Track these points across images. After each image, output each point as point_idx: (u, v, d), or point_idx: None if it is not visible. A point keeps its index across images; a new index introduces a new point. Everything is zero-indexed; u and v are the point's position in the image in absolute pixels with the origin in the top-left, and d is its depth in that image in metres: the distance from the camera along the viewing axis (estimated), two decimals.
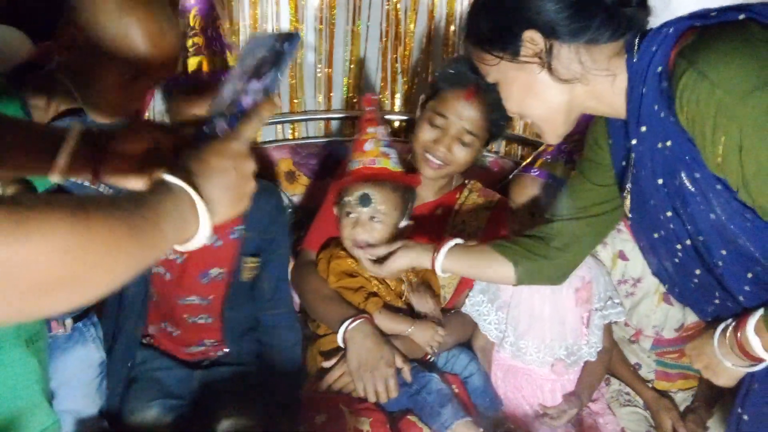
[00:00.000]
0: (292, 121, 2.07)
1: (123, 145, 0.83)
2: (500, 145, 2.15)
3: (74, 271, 0.53)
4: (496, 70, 1.05)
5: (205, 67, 1.49)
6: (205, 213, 0.66)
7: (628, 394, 1.71)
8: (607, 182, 1.18)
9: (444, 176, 1.63)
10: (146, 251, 0.60)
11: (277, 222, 1.64)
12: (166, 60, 1.05)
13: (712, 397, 1.65)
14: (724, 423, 1.64)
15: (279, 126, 2.07)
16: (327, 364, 1.47)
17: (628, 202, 1.11)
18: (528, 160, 1.59)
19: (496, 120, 1.56)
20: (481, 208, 1.68)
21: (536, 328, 1.58)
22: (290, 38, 0.78)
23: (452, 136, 1.55)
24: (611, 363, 1.69)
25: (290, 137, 2.08)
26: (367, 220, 1.49)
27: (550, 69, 0.99)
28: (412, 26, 2.05)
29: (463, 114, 1.53)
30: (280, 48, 0.77)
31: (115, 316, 1.55)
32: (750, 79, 0.83)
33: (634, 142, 1.03)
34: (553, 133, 1.08)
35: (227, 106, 0.77)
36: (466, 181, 1.73)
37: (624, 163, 1.12)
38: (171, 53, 1.06)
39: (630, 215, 1.12)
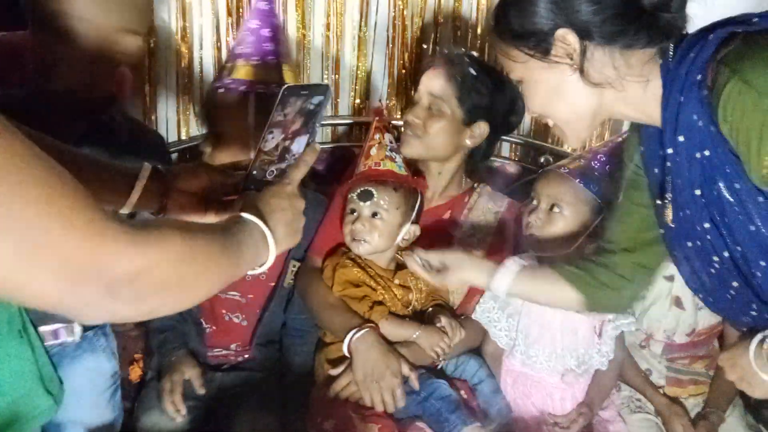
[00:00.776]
0: None
1: (185, 184, 0.97)
2: (508, 150, 2.14)
3: (185, 276, 0.65)
4: (524, 67, 1.00)
5: (251, 76, 1.52)
6: (273, 243, 0.81)
7: (639, 400, 1.69)
8: (650, 203, 1.14)
9: (423, 154, 1.61)
10: (233, 268, 0.73)
11: None
12: (130, 38, 1.16)
13: (724, 403, 1.63)
14: (736, 428, 1.62)
15: None
16: (334, 372, 1.46)
17: (669, 211, 1.06)
18: (564, 161, 1.60)
19: (468, 89, 1.57)
20: (491, 213, 1.68)
21: (547, 337, 1.57)
22: (323, 91, 0.90)
23: (422, 105, 1.59)
24: (622, 369, 1.68)
25: None
26: (368, 217, 1.50)
27: (581, 71, 0.96)
28: (418, 32, 2.05)
29: (428, 84, 1.59)
30: (318, 102, 0.90)
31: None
32: None
33: (670, 151, 0.99)
34: (576, 137, 1.05)
35: (274, 154, 0.90)
36: (475, 185, 1.73)
37: (657, 171, 1.08)
38: (135, 30, 1.17)
39: (673, 225, 1.07)
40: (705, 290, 1.12)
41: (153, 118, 1.92)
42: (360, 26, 2.03)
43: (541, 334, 1.57)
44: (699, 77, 0.90)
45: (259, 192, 0.86)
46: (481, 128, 1.61)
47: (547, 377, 1.59)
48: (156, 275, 0.61)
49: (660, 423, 1.66)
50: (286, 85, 0.88)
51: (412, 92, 2.08)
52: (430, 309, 1.57)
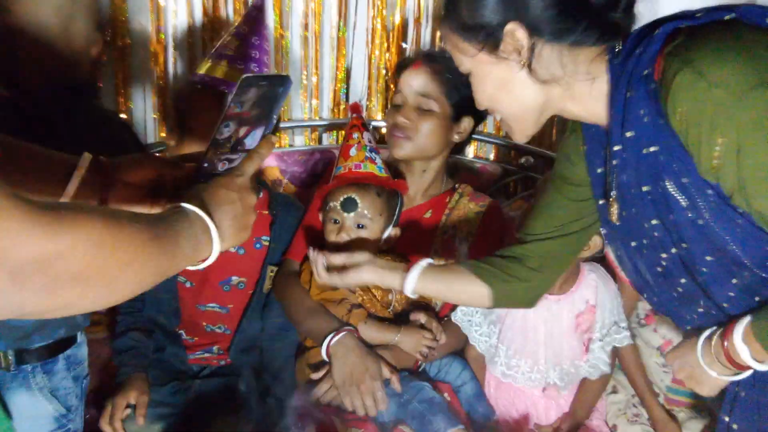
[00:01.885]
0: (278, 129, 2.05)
1: (129, 175, 0.90)
2: (491, 151, 2.14)
3: (107, 266, 0.59)
4: (472, 61, 1.00)
5: (232, 78, 1.50)
6: (216, 237, 0.75)
7: (635, 406, 1.67)
8: (581, 197, 1.14)
9: (414, 154, 1.59)
10: (167, 260, 0.67)
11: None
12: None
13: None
14: None
15: None
16: (315, 376, 1.44)
17: (615, 209, 1.06)
18: None
19: (454, 84, 1.55)
20: (472, 213, 1.66)
21: (530, 348, 1.55)
22: (283, 82, 0.86)
23: (409, 105, 1.57)
24: (628, 365, 1.65)
25: (277, 145, 2.05)
26: (352, 226, 1.47)
27: (529, 67, 0.96)
28: (398, 32, 2.04)
29: (413, 83, 1.56)
30: (275, 92, 0.86)
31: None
32: (747, 77, 0.80)
33: (617, 148, 0.98)
34: (522, 133, 1.05)
35: (227, 145, 0.85)
36: (456, 185, 1.71)
37: (601, 171, 1.07)
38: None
39: (618, 223, 1.07)
40: (650, 289, 1.11)
41: (129, 119, 1.89)
42: (338, 26, 2.01)
43: (524, 345, 1.55)
44: (646, 72, 0.90)
45: (208, 183, 0.80)
46: (467, 123, 1.61)
47: (528, 389, 1.58)
48: (71, 263, 0.55)
49: (645, 427, 1.64)
50: (244, 75, 0.85)
51: (392, 93, 2.08)
52: (412, 310, 1.55)
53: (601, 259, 1.64)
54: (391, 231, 1.52)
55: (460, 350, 1.64)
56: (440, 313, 1.63)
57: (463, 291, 1.23)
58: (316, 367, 1.46)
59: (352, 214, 1.46)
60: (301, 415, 1.41)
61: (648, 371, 1.66)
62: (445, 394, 1.49)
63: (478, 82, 1.02)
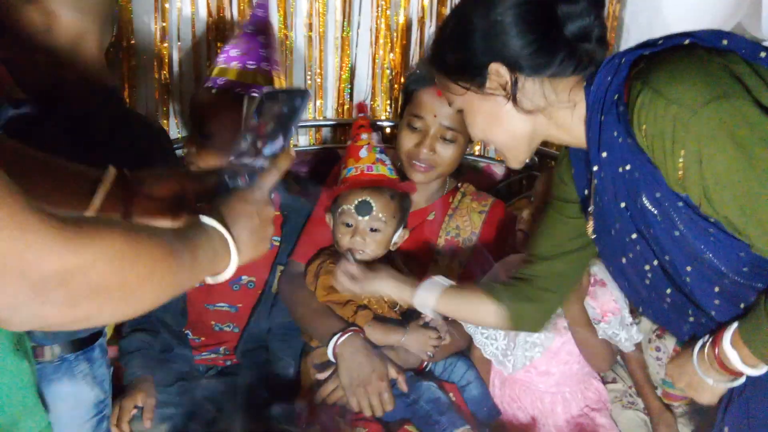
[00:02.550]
0: None
1: (152, 189, 0.92)
2: (494, 150, 2.14)
3: (126, 279, 0.60)
4: (462, 99, 1.08)
5: (245, 79, 1.48)
6: (234, 250, 0.76)
7: (632, 396, 1.68)
8: (579, 215, 1.20)
9: (434, 179, 1.61)
10: (186, 273, 0.68)
11: None
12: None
13: None
14: None
15: None
16: (321, 376, 1.44)
17: (591, 224, 1.14)
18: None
19: None
20: (475, 212, 1.66)
21: (542, 357, 1.56)
22: (302, 95, 0.88)
23: (433, 135, 1.53)
24: (630, 358, 1.66)
25: None
26: (366, 230, 1.47)
27: (514, 100, 1.02)
28: (402, 32, 2.04)
29: (438, 111, 1.51)
30: (293, 106, 0.88)
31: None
32: (702, 93, 0.87)
33: (595, 168, 1.05)
34: (515, 159, 1.12)
35: (247, 160, 0.87)
36: (459, 185, 1.71)
37: (587, 192, 1.14)
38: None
39: (594, 236, 1.15)
40: (642, 301, 1.16)
41: None
42: (342, 27, 2.01)
43: (542, 344, 1.55)
44: (616, 97, 0.98)
45: (227, 198, 0.82)
46: None
47: (538, 383, 1.58)
48: (91, 276, 0.56)
49: (648, 422, 1.65)
50: (264, 90, 0.87)
51: (397, 93, 2.09)
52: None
53: None
54: (401, 233, 1.53)
55: (466, 350, 1.64)
56: None
57: (477, 311, 1.29)
58: (321, 367, 1.47)
59: (366, 218, 1.46)
60: (307, 416, 1.42)
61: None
62: (451, 394, 1.49)
63: (470, 117, 1.10)
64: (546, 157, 2.02)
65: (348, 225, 1.47)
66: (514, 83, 1.01)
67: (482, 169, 2.03)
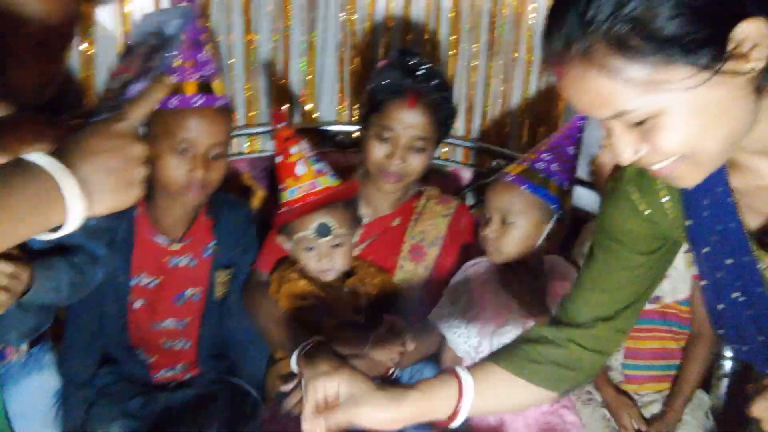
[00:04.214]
0: (248, 135, 2.03)
1: (6, 137, 0.80)
2: (461, 155, 2.14)
3: None
4: (668, 95, 0.67)
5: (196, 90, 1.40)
6: (75, 195, 0.60)
7: (590, 392, 1.69)
8: (639, 261, 0.95)
9: (404, 187, 1.61)
10: None
11: (247, 234, 1.63)
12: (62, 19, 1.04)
13: (681, 404, 1.62)
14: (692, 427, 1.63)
15: (235, 139, 2.02)
16: (285, 388, 1.43)
17: None
18: (509, 167, 1.58)
19: (443, 119, 1.56)
20: (440, 216, 1.67)
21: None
22: (183, 14, 0.74)
23: (404, 146, 1.53)
24: None
25: (247, 151, 2.04)
26: (332, 249, 1.46)
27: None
28: (368, 37, 2.03)
29: (409, 122, 1.51)
30: (175, 28, 0.73)
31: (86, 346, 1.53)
32: None
33: None
34: (709, 171, 0.75)
35: (117, 94, 0.72)
36: (423, 189, 1.72)
37: (707, 250, 0.88)
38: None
39: None
40: (743, 337, 0.94)
41: None
42: (308, 31, 2.00)
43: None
44: None
45: (78, 133, 0.65)
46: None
47: None
48: None
49: (602, 410, 1.65)
50: (142, 16, 0.76)
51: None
52: (385, 316, 1.55)
53: (560, 252, 1.66)
54: (358, 232, 1.53)
55: (433, 355, 1.64)
56: (412, 317, 1.63)
57: (524, 403, 1.08)
58: (286, 378, 1.45)
59: (328, 238, 1.45)
60: (273, 428, 1.41)
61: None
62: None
63: (680, 121, 0.69)
64: (513, 160, 2.02)
65: (311, 249, 1.46)
66: None
67: (449, 173, 2.03)
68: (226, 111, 1.46)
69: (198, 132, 1.40)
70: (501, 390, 1.00)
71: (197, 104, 1.39)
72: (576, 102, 0.73)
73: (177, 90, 1.39)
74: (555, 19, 0.71)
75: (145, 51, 0.73)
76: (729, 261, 0.89)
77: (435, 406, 0.96)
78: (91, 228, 1.30)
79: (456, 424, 0.98)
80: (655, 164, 0.74)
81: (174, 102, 1.38)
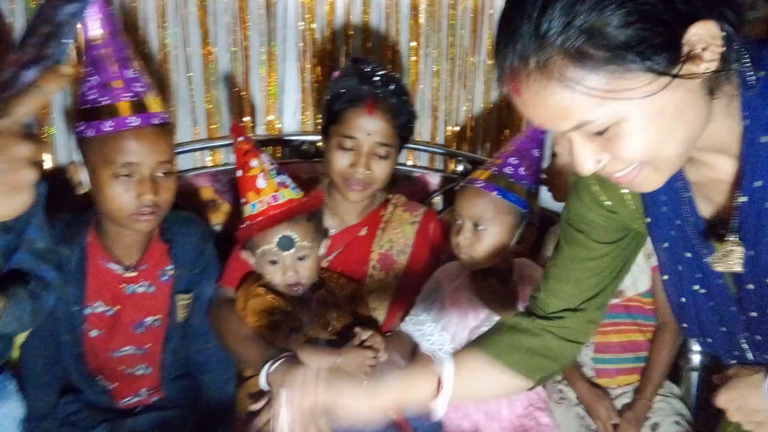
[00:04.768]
0: (211, 148, 1.99)
1: None
2: (427, 159, 2.14)
3: None
4: (625, 103, 0.67)
5: (130, 111, 1.33)
6: None
7: (561, 391, 1.69)
8: (603, 251, 0.98)
9: (370, 195, 1.60)
10: None
11: (205, 253, 1.57)
12: None
13: (651, 392, 1.64)
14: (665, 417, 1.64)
15: (197, 153, 1.99)
16: (255, 407, 1.40)
17: (738, 253, 0.83)
18: (476, 173, 1.58)
19: (404, 123, 1.55)
20: (408, 224, 1.66)
21: None
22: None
23: (367, 154, 1.52)
24: None
25: (210, 164, 2.00)
26: (295, 261, 1.44)
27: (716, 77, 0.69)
28: (329, 45, 2.02)
29: (370, 129, 1.50)
30: (71, 12, 0.66)
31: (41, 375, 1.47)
32: None
33: (743, 199, 0.78)
34: (667, 175, 0.76)
35: (6, 85, 0.64)
36: (390, 196, 1.71)
37: (667, 245, 0.91)
38: None
39: (744, 270, 0.84)
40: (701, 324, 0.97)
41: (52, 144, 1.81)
42: (268, 41, 1.97)
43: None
44: None
45: None
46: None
47: None
48: None
49: (582, 411, 1.65)
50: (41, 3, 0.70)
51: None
52: (355, 328, 1.53)
53: (530, 255, 1.67)
54: (324, 242, 1.51)
55: (405, 363, 1.63)
56: (384, 327, 1.62)
57: (500, 390, 1.11)
58: (256, 396, 1.42)
59: (291, 251, 1.42)
60: None
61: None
62: (391, 412, 1.47)
63: (640, 128, 0.69)
64: (479, 164, 2.02)
65: (274, 263, 1.44)
66: (729, 45, 0.67)
67: (416, 179, 2.03)
68: (166, 126, 1.40)
69: (139, 154, 1.33)
70: (480, 376, 1.03)
71: (134, 124, 1.32)
72: (535, 117, 0.73)
73: (110, 112, 1.32)
74: (507, 35, 0.70)
75: (38, 40, 0.66)
76: (688, 254, 0.91)
77: (414, 392, 0.99)
78: (38, 251, 1.27)
79: (437, 410, 0.99)
80: (617, 172, 0.75)
81: (108, 126, 1.31)
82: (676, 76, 0.66)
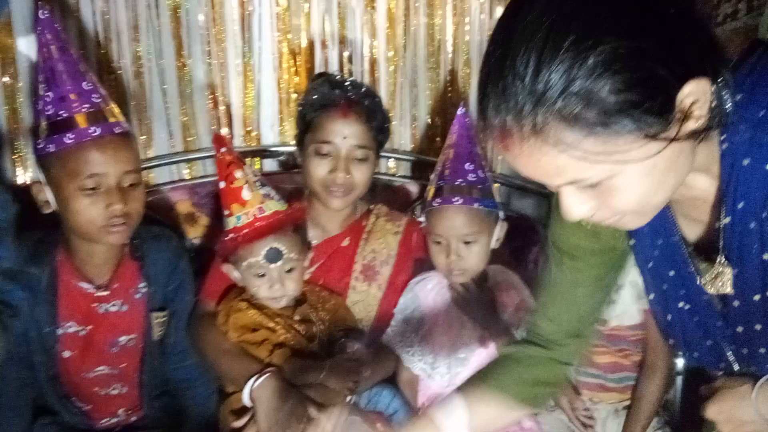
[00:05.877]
0: (187, 160, 1.96)
1: None
2: (407, 168, 2.13)
3: None
4: (608, 165, 0.67)
5: (86, 123, 1.29)
6: None
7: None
8: (593, 273, 0.99)
9: (352, 201, 1.58)
10: None
11: (178, 269, 1.52)
12: None
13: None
14: None
15: (174, 166, 1.96)
16: (237, 423, 1.37)
17: (728, 276, 0.84)
18: (446, 188, 1.52)
19: (379, 125, 1.55)
20: (390, 234, 1.65)
21: (472, 361, 1.54)
22: None
23: (345, 158, 1.51)
24: None
25: (187, 177, 1.97)
26: (283, 274, 1.42)
27: (706, 129, 0.70)
28: (305, 55, 2.00)
29: (346, 132, 1.50)
30: None
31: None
32: None
33: (726, 221, 0.79)
34: (648, 218, 0.79)
35: None
36: (371, 207, 1.69)
37: (651, 265, 0.93)
38: None
39: (733, 292, 0.85)
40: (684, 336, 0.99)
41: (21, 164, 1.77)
42: (243, 53, 1.96)
43: (467, 357, 1.54)
44: (762, 114, 0.73)
45: None
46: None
47: None
48: None
49: (560, 416, 1.64)
50: None
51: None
52: (341, 340, 1.51)
53: (506, 262, 1.67)
54: (309, 255, 1.49)
55: (390, 377, 1.60)
56: (368, 338, 1.60)
57: (510, 422, 1.10)
58: (239, 413, 1.39)
59: (279, 263, 1.40)
60: None
61: None
62: (378, 425, 1.45)
63: (634, 182, 0.69)
64: None
65: (261, 275, 1.42)
66: (720, 100, 0.69)
67: (397, 188, 2.02)
68: (128, 136, 1.36)
69: (104, 164, 1.29)
70: (492, 416, 1.04)
71: (95, 134, 1.29)
72: (527, 172, 0.73)
73: (70, 125, 1.29)
74: (497, 89, 0.68)
75: None
76: (672, 273, 0.92)
77: None
78: (6, 271, 1.22)
79: None
80: (605, 220, 0.76)
81: (69, 138, 1.28)
82: (672, 140, 0.67)
